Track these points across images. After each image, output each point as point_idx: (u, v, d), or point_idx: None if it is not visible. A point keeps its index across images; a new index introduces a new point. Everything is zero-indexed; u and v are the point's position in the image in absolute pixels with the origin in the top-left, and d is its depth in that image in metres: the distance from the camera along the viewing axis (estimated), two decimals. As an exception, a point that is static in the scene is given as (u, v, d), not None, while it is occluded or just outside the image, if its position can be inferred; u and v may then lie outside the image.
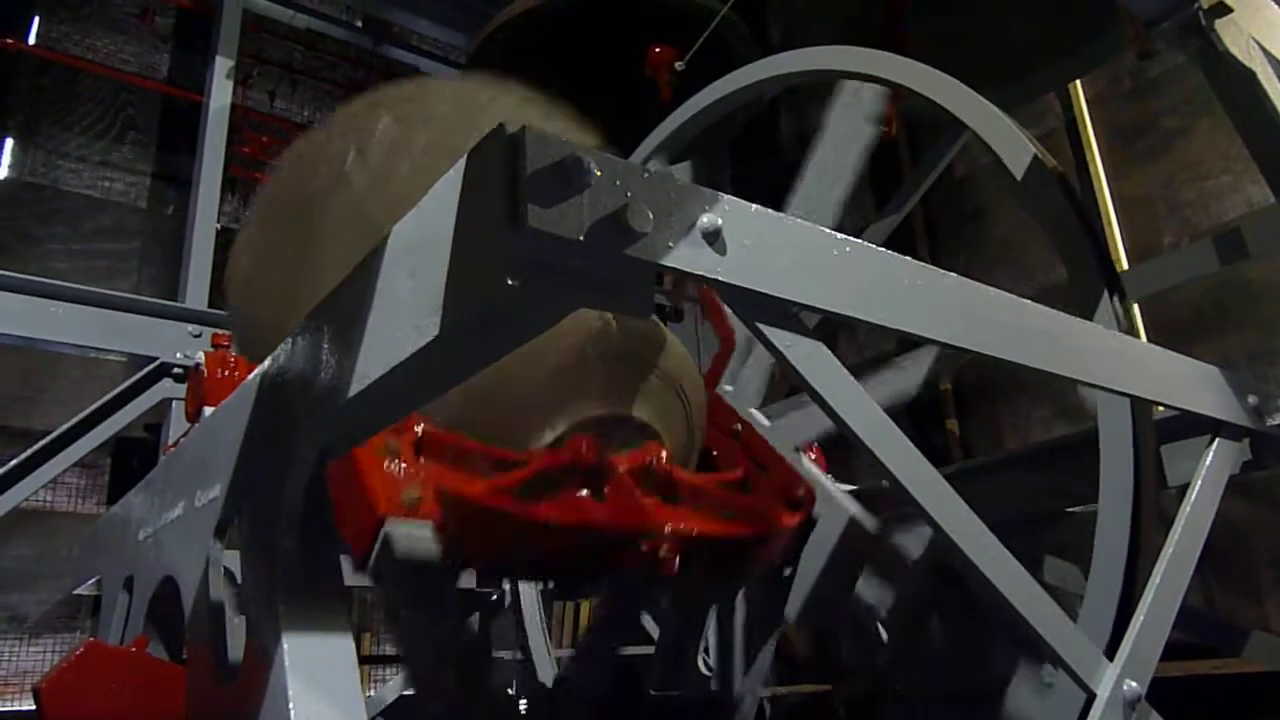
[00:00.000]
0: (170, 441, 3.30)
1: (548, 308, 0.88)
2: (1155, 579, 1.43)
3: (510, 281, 0.81)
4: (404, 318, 0.96)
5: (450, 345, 0.90)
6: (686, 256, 0.92)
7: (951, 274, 1.21)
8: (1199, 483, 1.57)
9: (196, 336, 3.51)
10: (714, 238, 0.94)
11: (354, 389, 1.05)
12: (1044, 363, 1.30)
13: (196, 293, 3.93)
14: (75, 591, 2.66)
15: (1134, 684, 1.27)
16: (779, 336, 1.01)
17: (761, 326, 1.00)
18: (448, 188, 0.92)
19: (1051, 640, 1.22)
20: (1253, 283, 4.46)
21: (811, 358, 1.04)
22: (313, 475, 1.24)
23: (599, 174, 0.86)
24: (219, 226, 4.89)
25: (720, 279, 0.95)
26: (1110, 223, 5.16)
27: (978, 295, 1.23)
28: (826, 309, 1.03)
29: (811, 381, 1.03)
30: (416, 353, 0.93)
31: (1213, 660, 3.11)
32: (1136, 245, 5.10)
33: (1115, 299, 1.85)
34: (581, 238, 0.84)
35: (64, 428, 3.33)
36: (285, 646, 1.16)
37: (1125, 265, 4.82)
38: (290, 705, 1.11)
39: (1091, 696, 1.25)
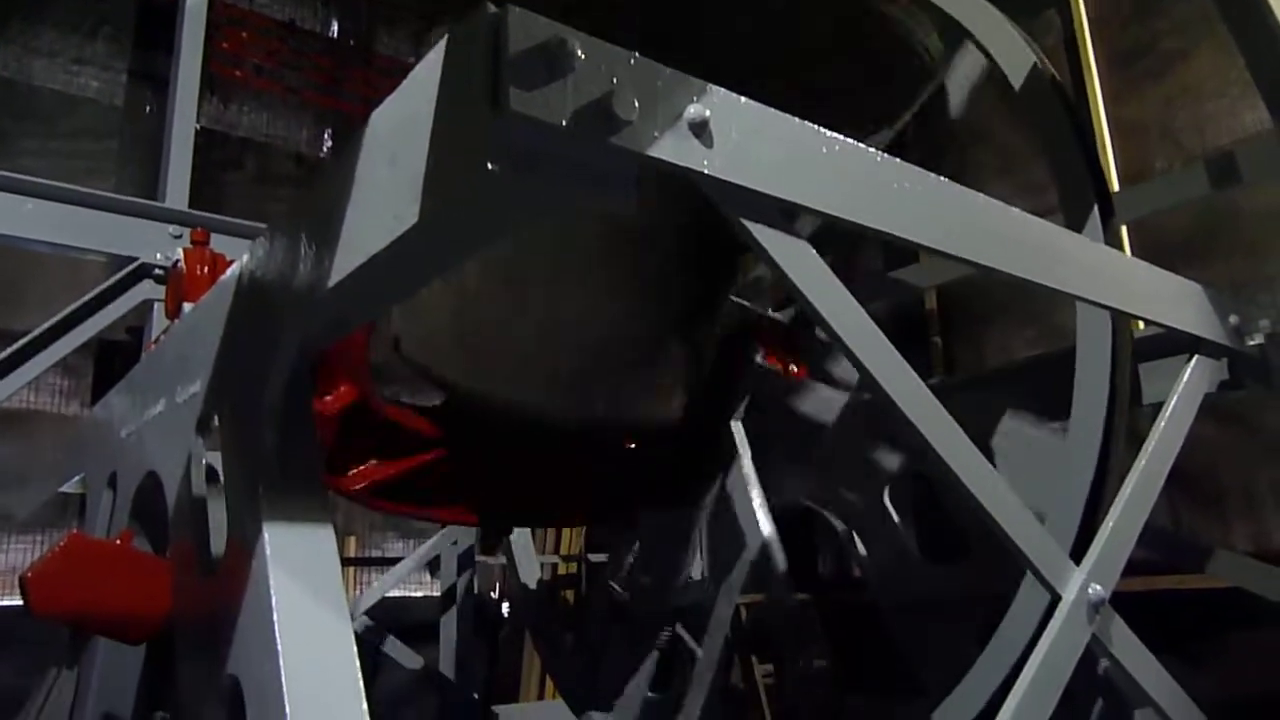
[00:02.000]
0: (151, 340, 3.28)
1: (529, 196, 0.86)
2: (1126, 488, 1.46)
3: (491, 167, 0.79)
4: (383, 206, 0.94)
5: (430, 234, 0.88)
6: (672, 148, 0.90)
7: (941, 178, 1.20)
8: (1175, 398, 1.59)
9: (177, 237, 3.46)
10: (701, 129, 0.92)
11: (333, 280, 1.04)
12: (1029, 272, 1.29)
13: (176, 193, 3.84)
14: (61, 490, 2.68)
15: (1098, 588, 1.31)
16: (765, 235, 1.00)
17: (748, 224, 0.99)
18: (428, 70, 0.90)
19: (1022, 544, 1.25)
20: (1243, 209, 4.45)
21: (798, 258, 1.03)
22: (293, 370, 1.24)
23: (583, 58, 0.83)
24: (199, 126, 4.77)
25: (706, 173, 0.93)
26: (1104, 146, 5.11)
27: (966, 200, 1.22)
28: (814, 208, 1.02)
29: (797, 282, 1.02)
30: (395, 241, 0.91)
31: (1175, 576, 3.20)
32: (1129, 170, 5.06)
33: (1103, 214, 1.84)
34: (564, 124, 0.82)
35: (43, 328, 3.29)
36: (266, 538, 1.17)
37: (1116, 189, 4.79)
38: (272, 594, 1.12)
39: (1057, 599, 1.28)
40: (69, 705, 2.06)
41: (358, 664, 1.06)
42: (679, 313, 2.22)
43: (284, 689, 1.02)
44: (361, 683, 1.04)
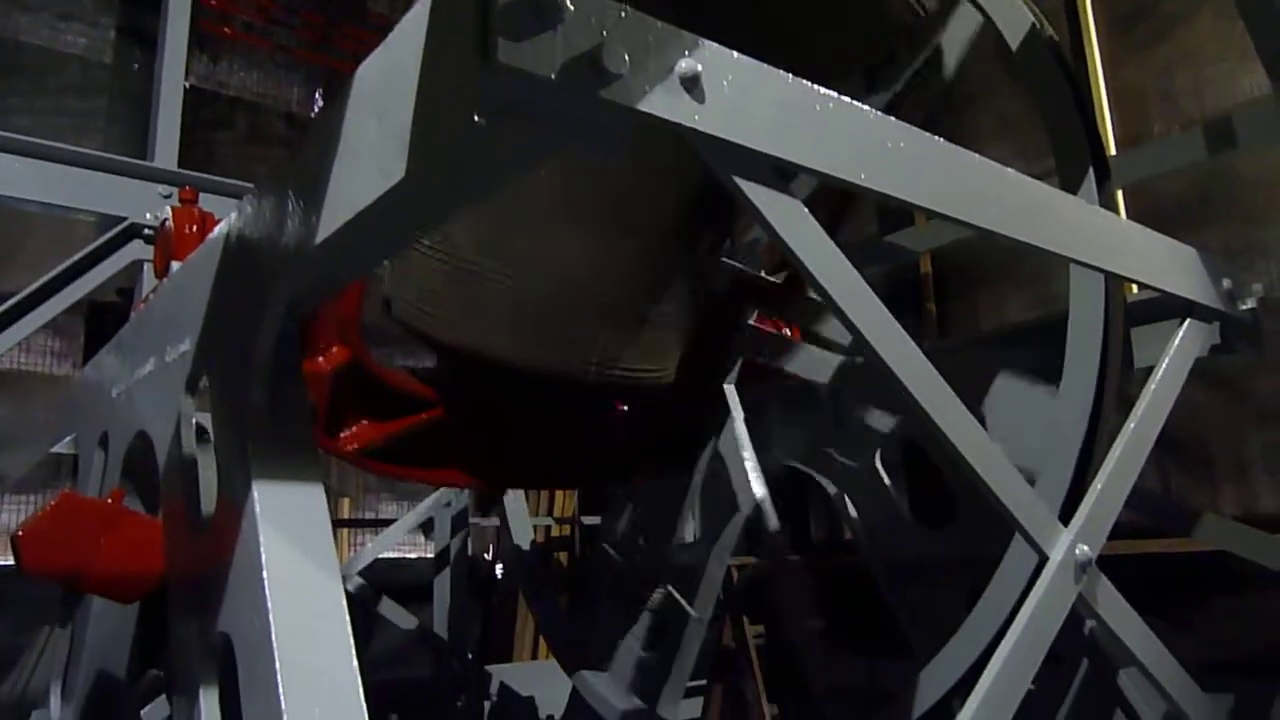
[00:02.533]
0: (140, 300, 3.27)
1: (516, 149, 0.85)
2: (1115, 450, 1.46)
3: (478, 119, 0.78)
4: (370, 160, 0.93)
5: (417, 188, 0.87)
6: (663, 103, 0.89)
7: (936, 137, 1.18)
8: (1166, 360, 1.59)
9: (166, 197, 3.43)
10: (693, 84, 0.90)
11: (321, 236, 1.03)
12: (1023, 233, 1.28)
13: (165, 152, 3.80)
14: (53, 450, 2.68)
15: (1085, 548, 1.32)
16: (756, 193, 0.99)
17: (740, 181, 0.97)
18: (415, 22, 0.88)
19: (1011, 506, 1.25)
20: (1239, 176, 4.43)
21: (789, 217, 1.02)
22: (282, 327, 1.23)
23: (573, 9, 0.81)
24: (188, 85, 4.71)
25: (697, 128, 0.92)
26: (1102, 110, 5.07)
27: (960, 160, 1.21)
28: (807, 165, 1.01)
29: (789, 241, 1.01)
30: (382, 197, 0.90)
31: (1162, 540, 3.23)
32: (1127, 134, 5.03)
33: (1099, 177, 1.83)
34: (553, 76, 0.80)
35: (32, 288, 3.28)
36: (256, 495, 1.17)
37: (1113, 153, 4.77)
38: (262, 551, 1.13)
39: (1044, 559, 1.29)
40: (63, 663, 2.08)
41: (348, 619, 1.06)
42: (674, 270, 2.21)
43: (274, 645, 1.03)
44: (351, 638, 1.05)
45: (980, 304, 5.76)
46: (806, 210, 1.03)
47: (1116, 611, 1.43)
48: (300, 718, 0.99)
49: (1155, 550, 3.24)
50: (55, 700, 2.10)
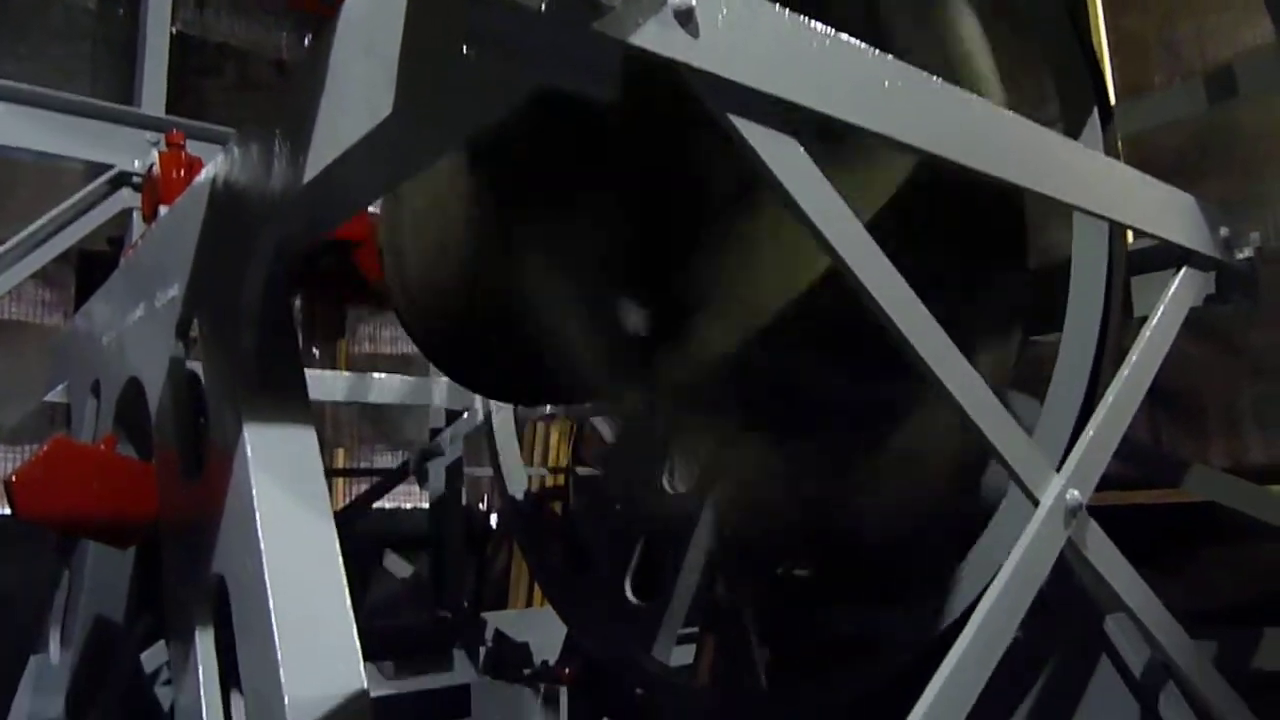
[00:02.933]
0: (129, 246, 3.24)
1: (505, 85, 0.83)
2: (1108, 397, 1.46)
3: (467, 52, 0.77)
4: (358, 97, 0.91)
5: (405, 124, 0.85)
6: (656, 36, 0.87)
7: (936, 78, 1.16)
8: (1161, 308, 1.58)
9: (155, 144, 3.37)
10: (687, 18, 0.88)
11: (308, 176, 1.01)
12: (1022, 178, 1.27)
13: (153, 99, 3.74)
14: (46, 399, 2.67)
15: (1076, 493, 1.32)
16: (751, 131, 0.97)
17: (733, 119, 0.96)
18: (403, -48, 0.86)
19: (1003, 450, 1.25)
20: (1240, 127, 4.39)
21: (785, 156, 1.00)
22: (270, 270, 1.22)
23: (564, -63, 0.79)
24: (174, 31, 4.63)
25: (691, 64, 0.90)
26: (1103, 59, 5.00)
27: (960, 102, 1.19)
28: (802, 103, 0.99)
29: (784, 182, 0.99)
30: (370, 133, 0.88)
31: (1152, 491, 3.26)
32: (1127, 84, 4.97)
33: (1103, 121, 1.81)
34: (543, 8, 0.78)
35: (20, 236, 3.25)
36: (247, 438, 1.17)
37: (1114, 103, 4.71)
38: (254, 493, 1.13)
39: (1035, 503, 1.30)
40: (62, 609, 2.09)
41: (340, 559, 1.07)
42: None
43: (267, 585, 1.03)
44: (344, 577, 1.05)
45: (976, 256, 5.73)
46: (801, 148, 1.01)
47: (1105, 557, 1.44)
48: (295, 657, 1.00)
49: (1144, 501, 3.27)
50: (55, 645, 2.12)
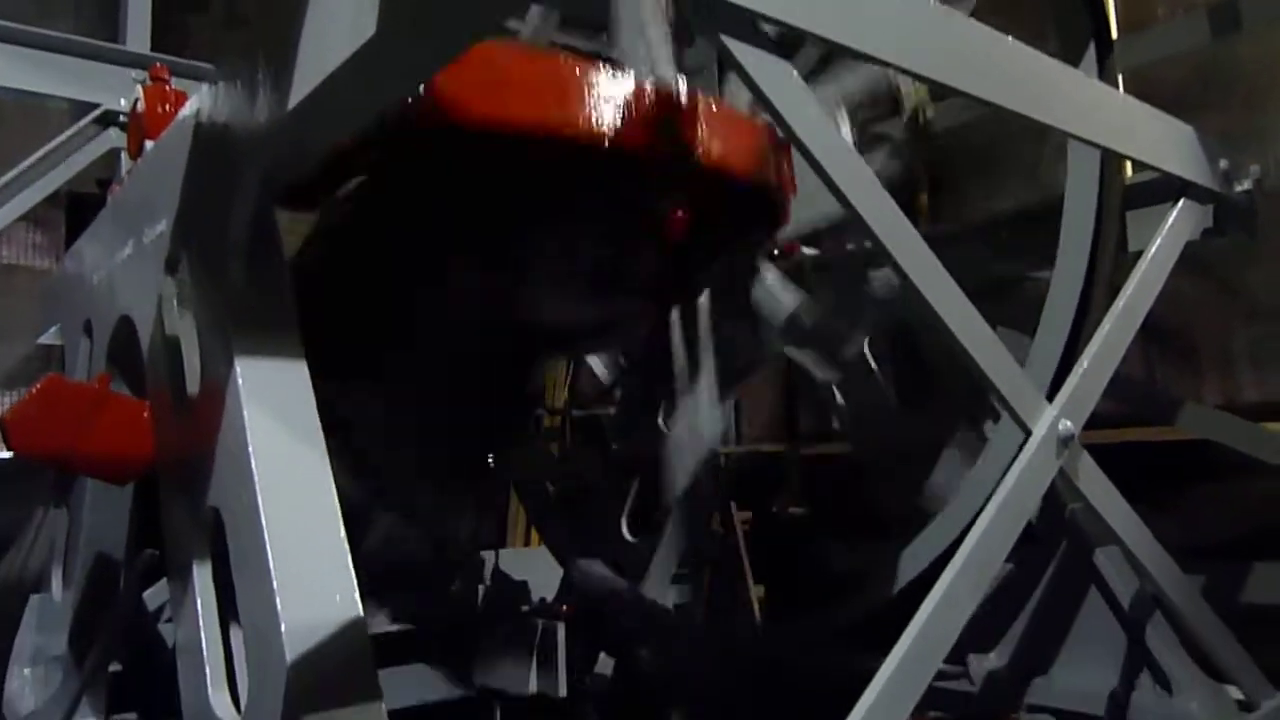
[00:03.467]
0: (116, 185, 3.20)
1: (489, 1, 0.81)
2: (1103, 328, 1.45)
3: (450, -34, 0.74)
4: (341, 17, 0.89)
5: (389, 44, 0.83)
6: (647, -48, 0.84)
7: (934, 2, 1.14)
8: (1159, 239, 1.57)
9: (140, 82, 3.30)
10: (677, -67, 0.86)
11: (292, 102, 0.99)
12: (1020, 105, 1.25)
13: (137, 35, 3.66)
14: (40, 341, 2.66)
15: (1069, 423, 1.32)
16: (744, 53, 0.95)
17: (727, 41, 0.93)
18: None
19: (997, 381, 1.25)
20: (1240, 60, 4.32)
21: (778, 79, 0.98)
22: (258, 203, 1.20)
23: None
24: (158, -36, 4.52)
25: (683, -18, 0.88)
26: (1106, -3, 4.90)
27: (958, 27, 1.17)
28: (798, 25, 0.96)
29: (775, 104, 0.98)
30: (354, 54, 0.86)
31: (1146, 428, 3.27)
32: (1130, 19, 4.87)
33: (1100, 52, 1.78)
34: (530, -80, 0.76)
35: (7, 177, 3.20)
36: (239, 372, 1.16)
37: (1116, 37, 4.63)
38: (246, 427, 1.12)
39: (1028, 434, 1.30)
40: (61, 544, 2.11)
41: (334, 490, 1.07)
42: None
43: (262, 516, 1.03)
44: (338, 508, 1.05)
45: (971, 194, 5.68)
46: (795, 72, 0.99)
47: (1098, 488, 1.45)
48: (290, 586, 1.01)
49: (1138, 439, 3.28)
50: (56, 583, 2.13)
